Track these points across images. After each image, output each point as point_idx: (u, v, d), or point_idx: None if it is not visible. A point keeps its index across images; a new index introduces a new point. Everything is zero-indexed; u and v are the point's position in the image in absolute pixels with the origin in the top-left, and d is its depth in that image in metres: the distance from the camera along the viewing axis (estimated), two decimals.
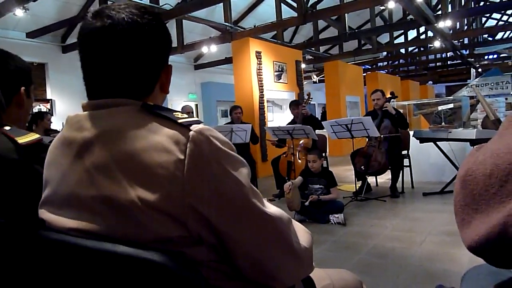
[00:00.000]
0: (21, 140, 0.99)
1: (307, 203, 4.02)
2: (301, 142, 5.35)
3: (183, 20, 9.09)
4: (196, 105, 13.38)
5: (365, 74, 14.37)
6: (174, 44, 9.85)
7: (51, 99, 8.90)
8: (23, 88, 1.25)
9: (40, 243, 0.75)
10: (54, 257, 0.75)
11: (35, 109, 8.47)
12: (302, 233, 0.83)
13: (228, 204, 0.68)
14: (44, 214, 0.78)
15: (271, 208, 0.75)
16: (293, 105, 5.80)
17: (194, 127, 0.68)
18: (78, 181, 0.70)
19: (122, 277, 0.67)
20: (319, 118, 7.78)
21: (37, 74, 8.74)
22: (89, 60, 0.76)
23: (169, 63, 0.83)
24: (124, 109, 0.72)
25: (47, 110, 8.46)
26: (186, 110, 6.04)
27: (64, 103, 8.93)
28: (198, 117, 13.14)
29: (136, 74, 0.75)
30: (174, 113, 0.72)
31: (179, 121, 0.69)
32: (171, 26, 10.12)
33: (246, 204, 0.69)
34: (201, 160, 0.66)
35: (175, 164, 0.65)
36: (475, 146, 0.62)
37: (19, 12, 6.56)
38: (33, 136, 1.04)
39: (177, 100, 12.15)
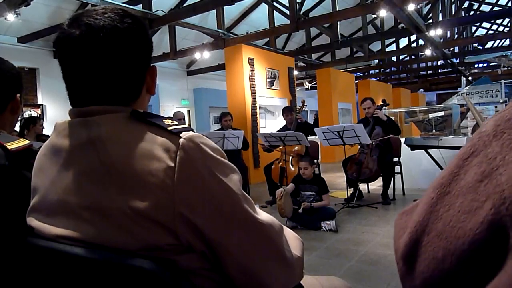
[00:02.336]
0: (11, 146, 0.98)
1: (300, 211, 4.02)
2: (294, 148, 5.36)
3: (176, 26, 9.10)
4: (189, 111, 13.35)
5: (357, 81, 14.47)
6: (167, 50, 9.86)
7: (42, 104, 8.82)
8: (18, 95, 1.24)
9: (29, 250, 0.74)
10: (42, 265, 0.74)
11: (26, 114, 8.41)
12: (293, 240, 0.83)
13: (218, 211, 0.67)
14: (32, 221, 0.77)
15: (263, 215, 0.74)
16: (287, 111, 5.82)
17: (184, 135, 0.68)
18: (66, 188, 0.70)
19: (112, 285, 0.66)
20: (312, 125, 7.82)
21: (28, 79, 8.68)
22: (70, 69, 0.74)
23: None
24: (114, 116, 0.72)
25: (38, 115, 8.39)
26: (178, 117, 6.02)
27: (55, 108, 8.86)
28: (190, 124, 13.14)
29: (121, 79, 0.74)
30: (164, 120, 0.72)
31: (169, 128, 0.69)
32: (164, 32, 10.13)
33: (238, 211, 0.69)
34: (191, 167, 0.66)
35: (165, 171, 0.64)
36: (400, 214, 0.53)
37: (10, 16, 6.51)
38: (23, 142, 1.03)
39: (169, 106, 12.12)
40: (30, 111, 8.60)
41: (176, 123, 0.73)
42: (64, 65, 0.75)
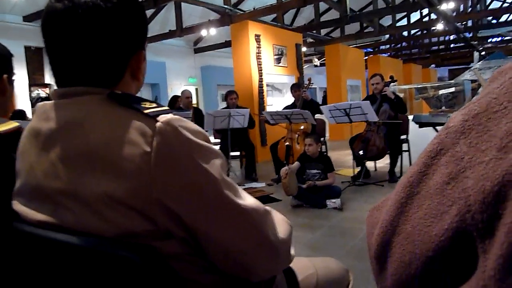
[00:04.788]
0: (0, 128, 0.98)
1: (304, 186, 4.02)
2: (301, 127, 5.32)
3: (182, 3, 8.96)
4: (196, 89, 13.32)
5: (366, 57, 14.22)
6: (173, 27, 9.75)
7: (49, 84, 8.85)
8: (5, 75, 1.21)
9: (15, 235, 0.74)
10: (26, 250, 0.74)
11: (34, 94, 8.46)
12: (281, 224, 0.82)
13: (197, 198, 0.65)
14: (17, 206, 0.76)
15: (247, 200, 0.73)
16: (295, 88, 5.78)
17: (162, 118, 0.66)
18: (44, 173, 0.69)
19: (90, 270, 0.66)
20: (321, 102, 7.73)
21: (35, 59, 8.69)
22: (52, 45, 0.72)
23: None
24: (90, 98, 0.70)
25: (46, 95, 8.43)
26: (185, 95, 5.99)
27: None
28: (198, 102, 13.12)
29: (100, 60, 0.71)
30: (142, 103, 0.69)
31: (146, 111, 0.66)
32: (170, 9, 10.00)
33: (218, 197, 0.67)
34: (168, 152, 0.64)
35: (141, 157, 0.63)
36: (371, 210, 0.51)
37: None
38: (12, 125, 1.02)
39: (177, 84, 12.08)
40: (38, 90, 8.64)
41: (155, 105, 0.70)
42: (46, 40, 0.73)
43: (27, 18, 8.38)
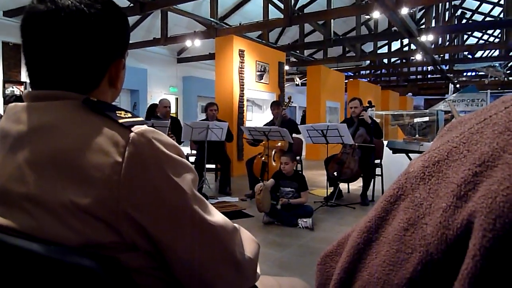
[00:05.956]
0: None
1: (278, 207, 4.03)
2: (278, 144, 5.35)
3: (169, 12, 8.97)
4: (177, 99, 13.24)
5: (347, 81, 14.52)
6: (158, 35, 9.73)
7: (25, 82, 8.63)
8: None
9: None
10: None
11: (8, 91, 8.23)
12: (248, 242, 0.81)
13: (166, 211, 0.65)
14: None
15: (216, 216, 0.72)
16: (274, 105, 5.81)
17: (136, 129, 0.65)
18: (9, 176, 0.67)
19: (50, 280, 0.63)
20: (300, 121, 7.83)
21: (12, 55, 8.48)
22: (30, 45, 0.71)
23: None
24: (63, 103, 0.68)
25: (21, 93, 8.20)
26: (163, 104, 5.94)
27: None
28: (177, 112, 13.04)
29: (78, 65, 0.70)
30: (117, 112, 0.69)
31: (120, 121, 0.66)
32: (156, 17, 9.99)
33: (186, 211, 0.66)
34: (140, 164, 0.63)
35: (112, 167, 0.62)
36: (322, 257, 0.48)
37: None
38: None
39: (157, 92, 11.99)
40: (13, 87, 8.41)
41: (130, 115, 0.70)
42: (24, 40, 0.72)
43: (8, 14, 8.20)
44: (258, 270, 0.84)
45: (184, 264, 0.69)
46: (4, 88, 8.32)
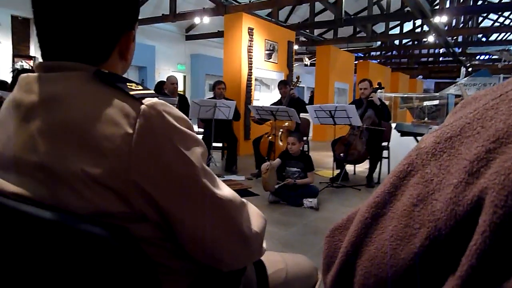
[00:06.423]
0: None
1: (280, 185, 4.05)
2: (285, 124, 5.34)
3: None
4: (184, 77, 13.19)
5: (356, 62, 14.33)
6: (166, 11, 9.63)
7: (34, 57, 8.63)
8: None
9: None
10: None
11: (17, 66, 8.24)
12: (255, 217, 0.83)
13: (175, 183, 0.66)
14: None
15: (224, 190, 0.73)
16: (282, 85, 5.77)
17: (147, 101, 0.65)
18: (22, 145, 0.68)
19: (61, 247, 0.65)
20: (307, 102, 7.77)
21: (21, 29, 8.45)
22: (41, 16, 0.71)
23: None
24: (75, 74, 0.69)
25: (30, 67, 8.22)
26: (171, 81, 5.92)
27: None
28: (185, 90, 13.01)
29: (89, 35, 0.70)
30: (128, 84, 0.69)
31: (131, 93, 0.66)
32: None
33: (195, 183, 0.67)
34: (150, 136, 0.64)
35: (122, 138, 0.62)
36: (331, 230, 0.48)
37: None
38: None
39: (165, 69, 11.94)
40: (22, 62, 8.42)
41: (141, 88, 0.70)
42: (35, 11, 0.71)
43: None
44: (264, 245, 0.85)
45: (192, 235, 0.70)
46: (13, 62, 8.34)
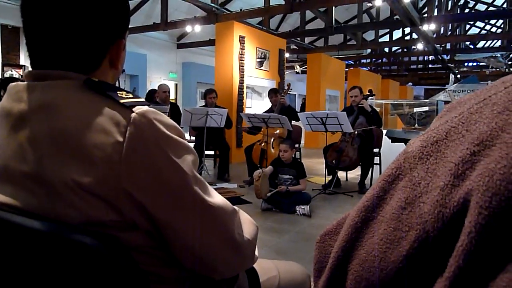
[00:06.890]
0: None
1: (273, 192, 4.04)
2: (276, 131, 5.35)
3: None
4: (176, 85, 13.18)
5: (347, 69, 14.45)
6: (158, 20, 9.64)
7: (24, 65, 8.57)
8: None
9: None
10: None
11: (7, 75, 8.18)
12: (247, 224, 0.82)
13: (166, 191, 0.65)
14: None
15: (215, 198, 0.73)
16: (272, 93, 5.79)
17: (137, 109, 0.65)
18: (12, 155, 0.67)
19: (52, 257, 0.64)
20: (299, 109, 7.81)
21: (11, 38, 8.40)
22: (30, 25, 0.70)
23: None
24: (65, 82, 0.68)
25: (19, 76, 8.16)
26: (163, 89, 5.92)
27: None
28: (177, 98, 12.99)
29: (79, 44, 0.70)
30: (119, 92, 0.69)
31: (122, 101, 0.66)
32: (156, 1, 9.89)
33: (186, 191, 0.67)
34: (141, 144, 0.63)
35: (112, 146, 0.62)
36: (322, 235, 0.49)
37: None
38: None
39: (157, 78, 11.93)
40: (12, 71, 8.36)
41: (131, 96, 0.70)
42: (25, 20, 0.71)
43: None
44: (256, 252, 0.85)
45: (184, 244, 0.69)
46: (3, 71, 8.27)
